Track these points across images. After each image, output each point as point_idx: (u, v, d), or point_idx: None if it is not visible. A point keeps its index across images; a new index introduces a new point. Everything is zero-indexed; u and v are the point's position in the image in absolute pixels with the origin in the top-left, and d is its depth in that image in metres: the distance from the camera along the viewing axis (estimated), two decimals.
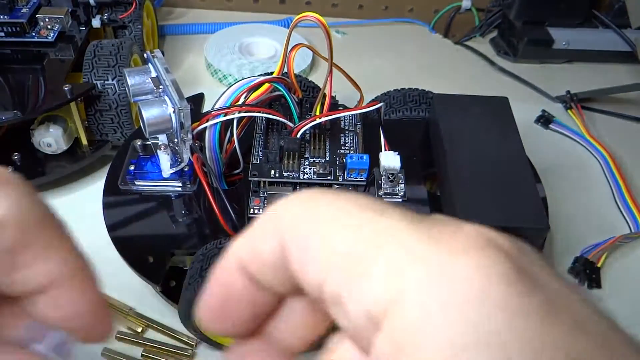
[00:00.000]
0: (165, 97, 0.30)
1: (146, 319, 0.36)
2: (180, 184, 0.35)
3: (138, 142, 0.36)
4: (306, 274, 0.12)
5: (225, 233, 0.29)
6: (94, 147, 0.45)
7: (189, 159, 0.33)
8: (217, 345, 0.35)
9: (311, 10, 0.70)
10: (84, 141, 0.44)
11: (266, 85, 0.33)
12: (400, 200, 0.34)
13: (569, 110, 0.58)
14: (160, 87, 0.30)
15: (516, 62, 0.65)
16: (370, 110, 0.35)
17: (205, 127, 0.32)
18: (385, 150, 0.36)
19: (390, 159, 0.34)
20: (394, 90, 0.44)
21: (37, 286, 0.14)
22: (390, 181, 0.34)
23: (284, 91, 0.33)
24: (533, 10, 0.63)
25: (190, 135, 0.31)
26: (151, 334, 0.36)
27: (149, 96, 0.31)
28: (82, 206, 0.43)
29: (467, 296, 0.10)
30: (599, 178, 0.51)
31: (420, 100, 0.42)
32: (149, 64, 0.32)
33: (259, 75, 0.33)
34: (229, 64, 0.58)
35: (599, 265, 0.42)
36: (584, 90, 0.58)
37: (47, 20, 0.46)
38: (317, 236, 0.12)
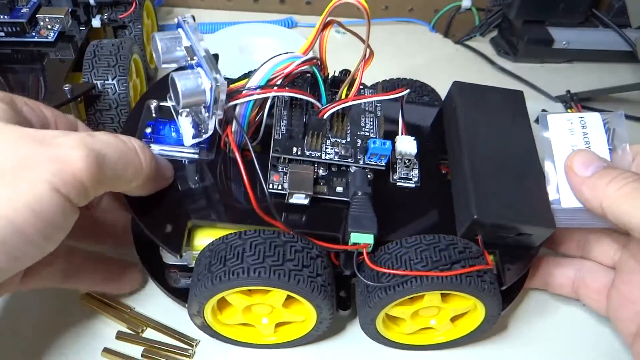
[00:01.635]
0: (200, 70, 0.28)
1: (146, 318, 0.36)
2: (197, 151, 0.34)
3: (154, 103, 0.34)
4: None
5: (251, 207, 0.28)
6: None
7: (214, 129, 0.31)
8: (221, 338, 0.34)
9: (311, 9, 0.70)
10: None
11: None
12: (413, 185, 0.34)
13: (569, 110, 0.58)
14: (195, 58, 0.29)
15: (516, 61, 0.65)
16: (396, 97, 0.34)
17: (237, 104, 0.31)
18: (402, 134, 0.35)
19: (407, 144, 0.34)
20: (397, 78, 0.44)
21: None
22: (406, 166, 0.34)
23: (317, 73, 0.32)
24: (533, 9, 0.63)
25: (221, 111, 0.29)
26: (151, 334, 0.36)
27: (181, 64, 0.30)
28: None
29: None
30: None
31: (422, 92, 0.42)
32: (180, 30, 0.30)
33: (289, 55, 0.31)
34: (229, 64, 0.58)
35: None
36: (584, 90, 0.58)
37: (47, 20, 0.46)
38: None
